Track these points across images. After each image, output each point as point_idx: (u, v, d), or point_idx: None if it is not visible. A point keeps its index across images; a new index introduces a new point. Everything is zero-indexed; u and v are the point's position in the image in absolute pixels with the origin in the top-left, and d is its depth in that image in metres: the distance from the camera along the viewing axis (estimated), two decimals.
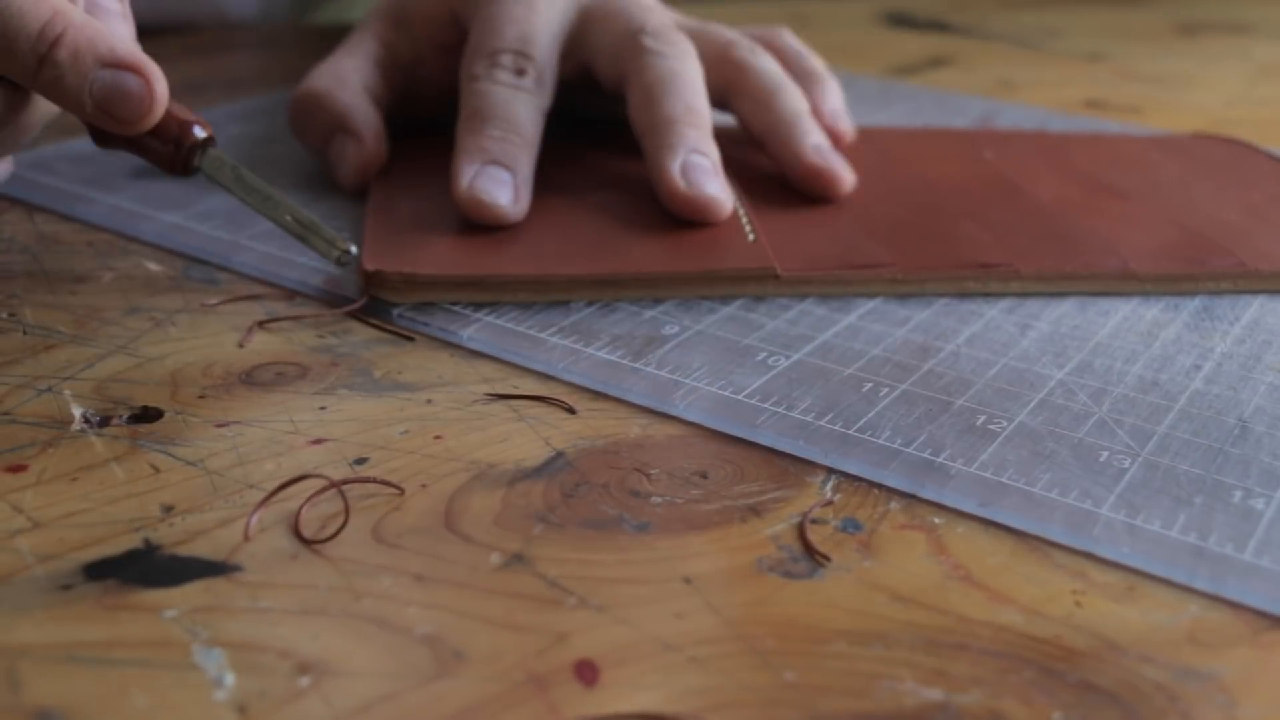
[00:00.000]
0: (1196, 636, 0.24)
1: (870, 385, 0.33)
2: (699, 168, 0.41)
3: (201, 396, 0.32)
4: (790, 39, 0.51)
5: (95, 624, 0.24)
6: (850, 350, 0.35)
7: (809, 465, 0.30)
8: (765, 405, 0.32)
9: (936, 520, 0.28)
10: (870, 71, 0.69)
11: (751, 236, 0.40)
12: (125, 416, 0.31)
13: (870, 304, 0.38)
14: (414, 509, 0.28)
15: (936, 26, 0.83)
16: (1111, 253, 0.40)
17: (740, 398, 0.32)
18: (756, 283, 0.38)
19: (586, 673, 0.23)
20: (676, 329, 0.36)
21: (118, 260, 0.40)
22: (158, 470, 0.29)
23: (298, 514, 0.27)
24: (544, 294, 0.37)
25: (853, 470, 0.30)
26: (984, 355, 0.35)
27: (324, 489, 0.28)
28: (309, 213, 0.36)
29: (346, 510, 0.27)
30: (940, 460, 0.30)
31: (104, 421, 0.31)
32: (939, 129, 0.55)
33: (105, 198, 0.45)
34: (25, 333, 0.35)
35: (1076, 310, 0.38)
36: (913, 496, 0.29)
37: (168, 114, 0.35)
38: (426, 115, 0.49)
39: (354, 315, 0.37)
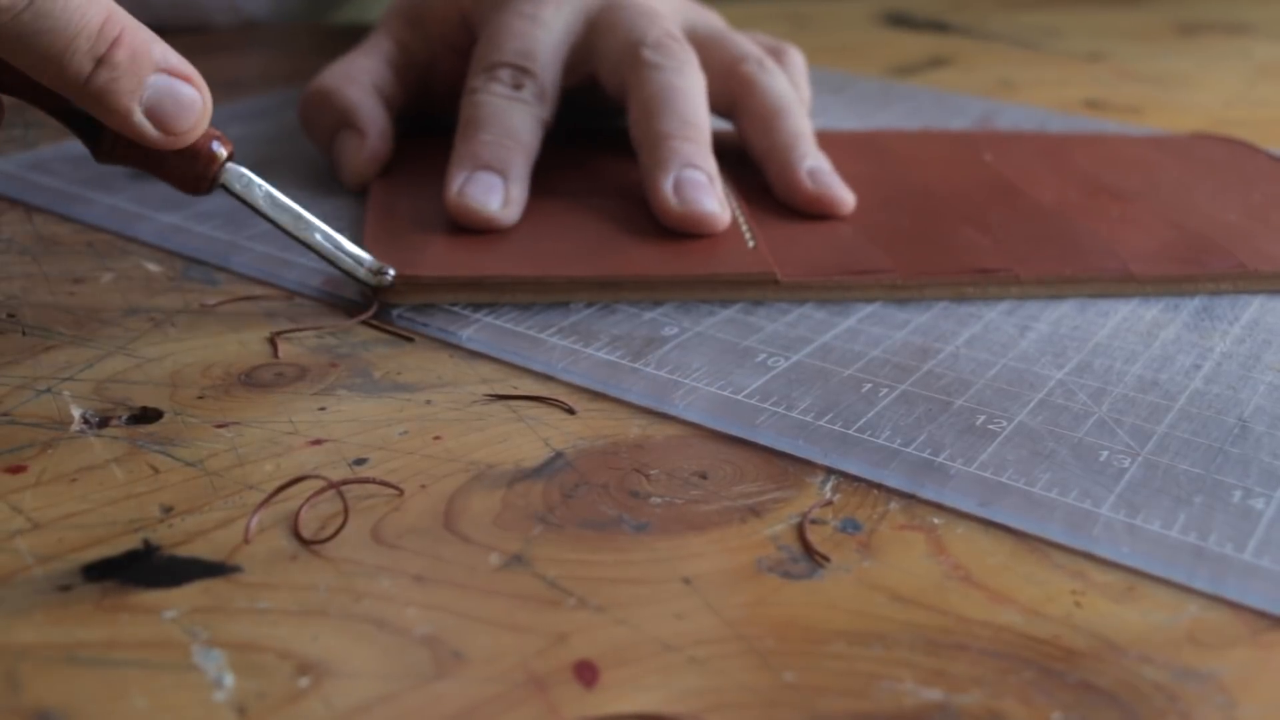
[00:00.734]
0: (1196, 637, 0.24)
1: (870, 386, 0.33)
2: (692, 183, 0.41)
3: (201, 397, 0.32)
4: (797, 60, 0.50)
5: (95, 625, 0.24)
6: (850, 352, 0.35)
7: (808, 466, 0.30)
8: (765, 405, 0.32)
9: (936, 520, 0.28)
10: (870, 72, 0.69)
11: (751, 242, 0.40)
12: (124, 417, 0.31)
13: (870, 307, 0.38)
14: (413, 509, 0.28)
15: (936, 26, 0.83)
16: (1111, 255, 0.40)
17: (740, 398, 0.32)
18: (756, 288, 0.38)
19: (586, 673, 0.23)
20: (676, 330, 0.36)
21: (117, 261, 0.40)
22: (157, 471, 0.29)
23: (297, 515, 0.27)
24: (544, 295, 0.37)
25: (852, 470, 0.30)
26: (983, 356, 0.35)
27: (323, 490, 0.28)
28: (337, 231, 0.36)
29: (346, 511, 0.27)
30: (940, 460, 0.30)
31: (103, 422, 0.31)
32: (938, 131, 0.55)
33: (104, 198, 0.45)
34: (24, 333, 0.35)
35: (1076, 311, 0.38)
36: (912, 496, 0.29)
37: None
38: (441, 114, 0.49)
39: (361, 319, 0.37)
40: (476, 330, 0.36)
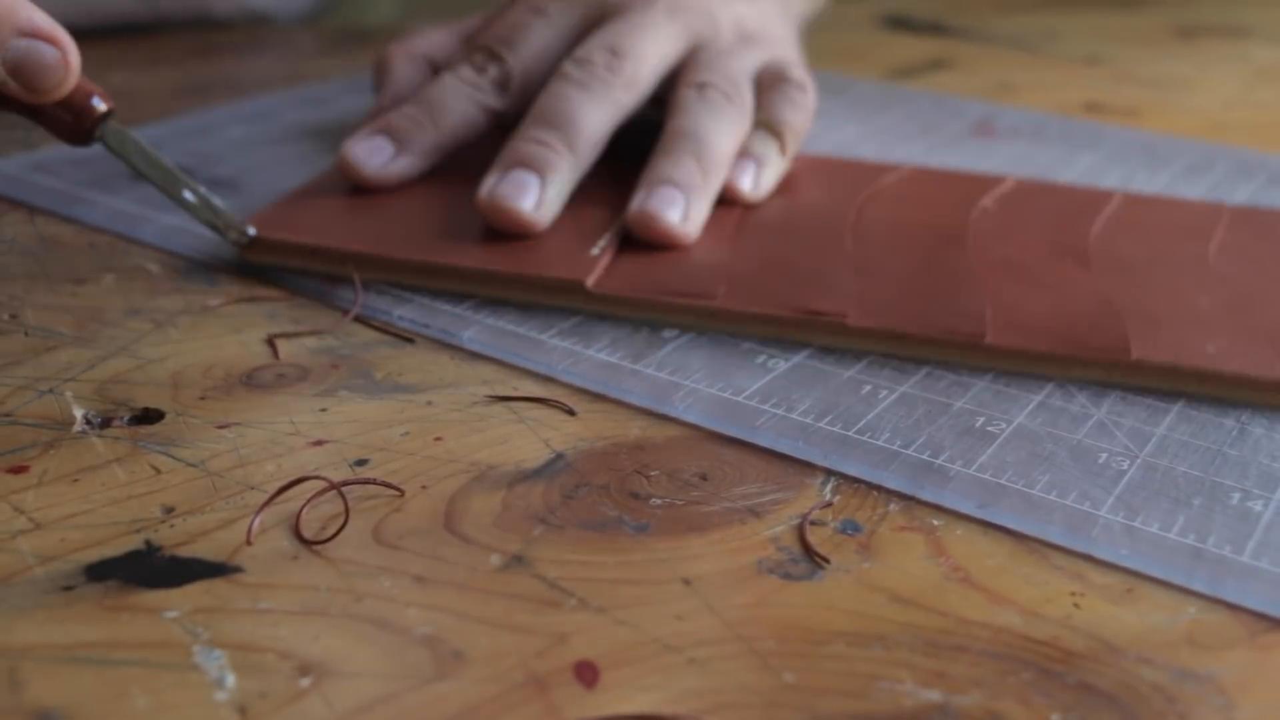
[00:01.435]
0: (1194, 638, 0.24)
1: (869, 387, 0.33)
2: (514, 180, 0.40)
3: (202, 398, 0.32)
4: (791, 92, 0.47)
5: (96, 625, 0.24)
6: (849, 353, 0.35)
7: (808, 467, 0.30)
8: (765, 407, 0.32)
9: (935, 522, 0.28)
10: (869, 74, 0.69)
11: (595, 251, 0.38)
12: (126, 418, 0.31)
13: None
14: (414, 510, 0.28)
15: (935, 29, 0.83)
16: (977, 320, 0.35)
17: (739, 399, 0.32)
18: (565, 293, 0.37)
19: (586, 674, 0.23)
20: (675, 333, 0.36)
21: (119, 262, 0.41)
22: (159, 471, 0.29)
23: (298, 515, 0.27)
24: (376, 272, 0.38)
25: (852, 471, 0.30)
26: None
27: (324, 490, 0.28)
28: (210, 192, 0.38)
29: (347, 511, 0.27)
30: (939, 462, 0.30)
31: (105, 423, 0.31)
32: (973, 175, 0.48)
33: (106, 200, 0.45)
34: (27, 334, 0.35)
35: None
36: (912, 498, 0.29)
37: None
38: None
39: (357, 319, 0.37)
40: (477, 331, 0.36)
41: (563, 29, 0.47)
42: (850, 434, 0.31)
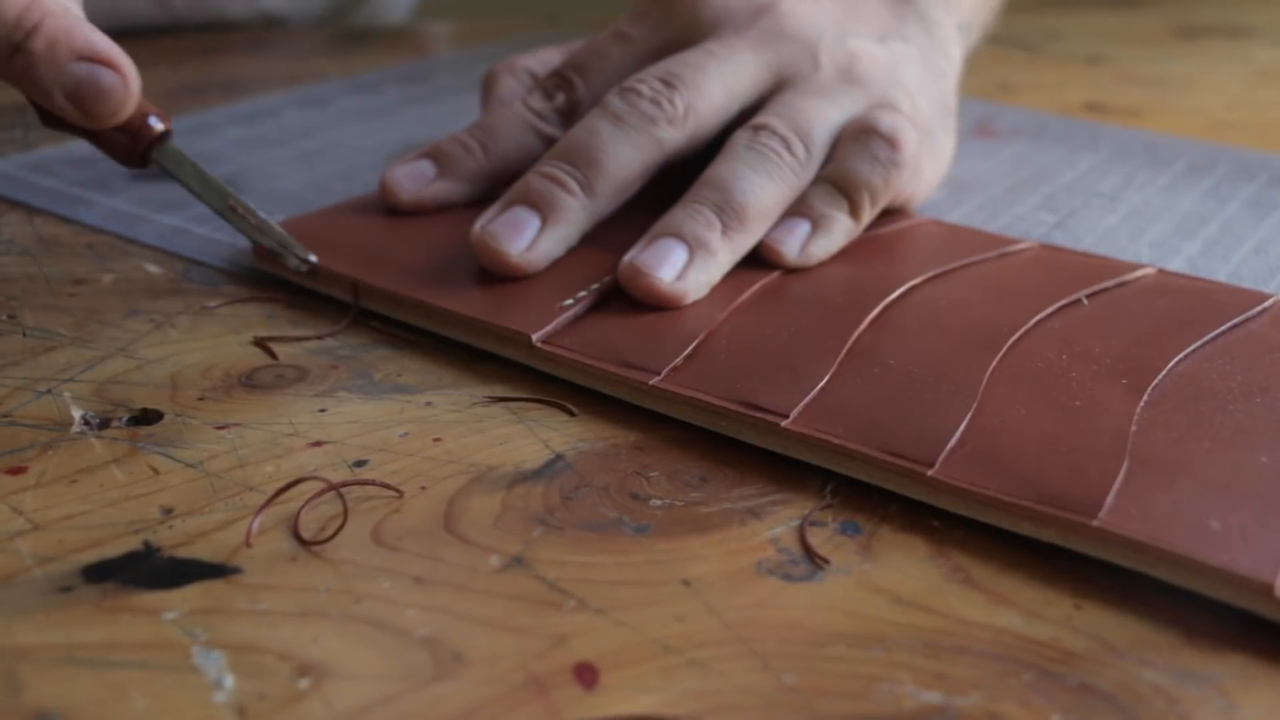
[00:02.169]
0: (1195, 639, 0.24)
1: None
2: (509, 219, 0.37)
3: (201, 399, 0.32)
4: (879, 147, 0.40)
5: (95, 626, 0.24)
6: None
7: (808, 468, 0.30)
8: None
9: (935, 523, 0.28)
10: None
11: (569, 302, 0.35)
12: (125, 419, 0.31)
13: None
14: (413, 511, 0.28)
15: None
16: (925, 447, 0.29)
17: None
18: (514, 345, 0.34)
19: (586, 675, 0.23)
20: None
21: (117, 262, 0.40)
22: (157, 472, 0.29)
23: (297, 516, 0.27)
24: (365, 298, 0.37)
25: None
26: None
27: (323, 491, 0.28)
28: (265, 214, 0.37)
29: (345, 512, 0.27)
30: None
31: (104, 423, 0.31)
32: (1107, 261, 0.40)
33: (105, 200, 0.45)
34: (25, 335, 0.35)
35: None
36: (911, 499, 0.29)
37: None
38: None
39: (359, 320, 0.37)
40: None
41: (641, 54, 0.43)
42: None
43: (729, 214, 0.37)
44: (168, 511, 0.27)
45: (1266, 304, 0.36)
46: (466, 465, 0.30)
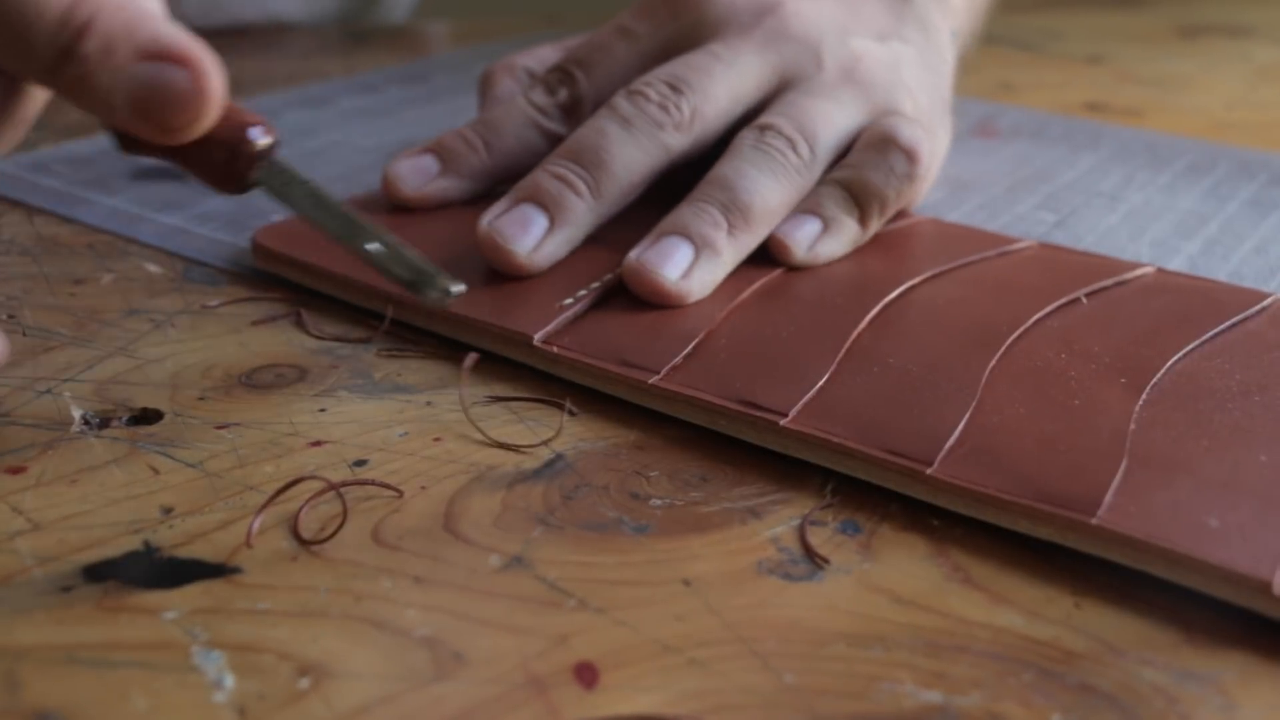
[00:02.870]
0: (1195, 638, 0.24)
1: None
2: (517, 216, 0.37)
3: (201, 398, 0.32)
4: (896, 157, 0.39)
5: (95, 626, 0.24)
6: None
7: (808, 467, 0.30)
8: None
9: (935, 522, 0.28)
10: None
11: (569, 300, 0.35)
12: (125, 418, 0.31)
13: None
14: (413, 511, 0.28)
15: None
16: (924, 445, 0.29)
17: None
18: (514, 345, 0.34)
19: (586, 675, 0.23)
20: None
21: (117, 262, 0.40)
22: (157, 472, 0.29)
23: (297, 516, 0.27)
24: (358, 296, 0.37)
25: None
26: None
27: (323, 491, 0.28)
28: (397, 239, 0.30)
29: (345, 512, 0.27)
30: None
31: (104, 423, 0.31)
32: (1106, 260, 0.40)
33: (105, 199, 0.45)
34: (25, 334, 0.35)
35: None
36: (912, 498, 0.29)
37: (221, 116, 0.28)
38: None
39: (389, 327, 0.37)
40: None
41: (646, 52, 0.43)
42: None
43: (735, 213, 0.37)
44: (168, 511, 0.27)
45: (1265, 303, 0.36)
46: (466, 465, 0.30)
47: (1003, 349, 0.33)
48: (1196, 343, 0.34)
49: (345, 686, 0.23)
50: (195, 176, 0.29)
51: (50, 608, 0.24)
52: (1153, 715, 0.22)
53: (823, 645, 0.24)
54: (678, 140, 0.39)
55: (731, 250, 0.37)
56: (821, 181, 0.40)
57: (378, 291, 0.36)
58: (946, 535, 0.27)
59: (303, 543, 0.26)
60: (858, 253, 0.39)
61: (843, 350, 0.33)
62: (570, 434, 0.31)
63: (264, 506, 0.27)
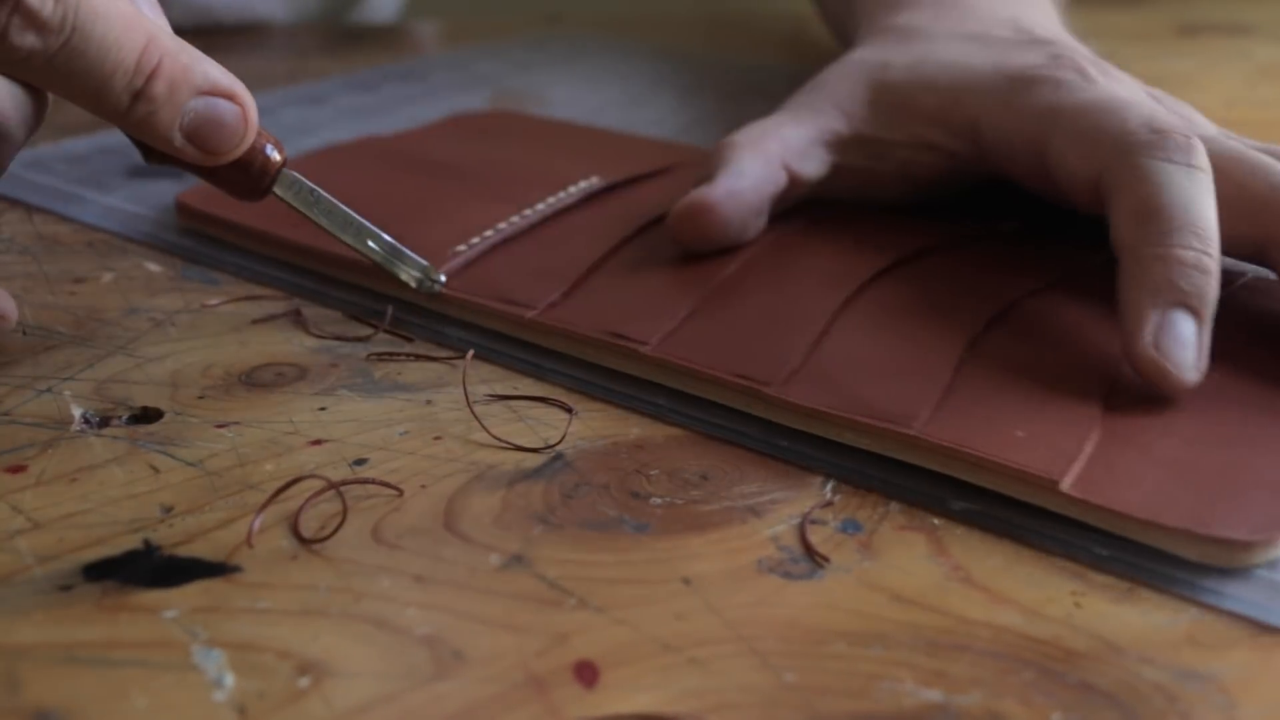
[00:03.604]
0: (1196, 637, 0.24)
1: None
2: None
3: (201, 397, 0.32)
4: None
5: (95, 624, 0.24)
6: None
7: (808, 466, 0.30)
8: None
9: (936, 521, 0.28)
10: None
11: (462, 248, 0.38)
12: (125, 417, 0.31)
13: None
14: (413, 510, 0.28)
15: None
16: (770, 368, 0.32)
17: None
18: (409, 290, 0.36)
19: (586, 673, 0.23)
20: None
21: (117, 261, 0.40)
22: (157, 471, 0.29)
23: (297, 515, 0.27)
24: (274, 250, 0.40)
25: None
26: None
27: (323, 490, 0.28)
28: (390, 237, 0.35)
29: (345, 511, 0.27)
30: None
31: (103, 422, 0.31)
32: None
33: (104, 198, 0.45)
34: (25, 333, 0.35)
35: None
36: (912, 500, 0.29)
37: None
38: (873, 199, 0.42)
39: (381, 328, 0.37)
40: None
41: None
42: None
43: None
44: (168, 510, 0.27)
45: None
46: (466, 464, 0.30)
47: (855, 288, 0.35)
48: (1044, 286, 0.36)
49: (345, 685, 0.23)
50: (218, 187, 0.33)
51: (50, 607, 0.24)
52: (1153, 714, 0.22)
53: (823, 644, 0.24)
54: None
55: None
56: None
57: (290, 244, 0.39)
58: (947, 534, 0.27)
59: (303, 541, 0.26)
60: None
61: (708, 289, 0.36)
62: (570, 433, 0.31)
63: (264, 505, 0.27)
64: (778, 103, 0.42)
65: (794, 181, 0.40)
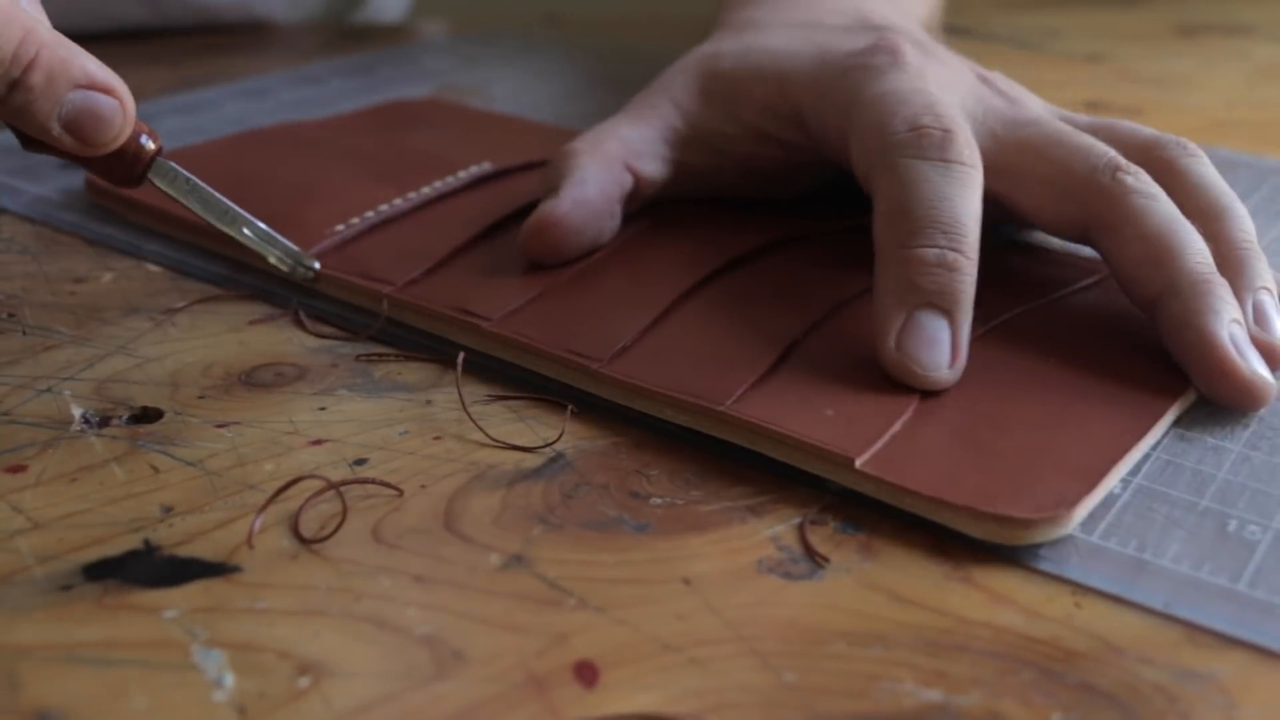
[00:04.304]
0: (1196, 638, 0.24)
1: None
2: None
3: (201, 397, 0.32)
4: (1193, 165, 0.36)
5: (95, 624, 0.24)
6: None
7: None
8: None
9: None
10: None
11: (340, 228, 0.39)
12: (125, 417, 0.31)
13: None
14: (413, 510, 0.28)
15: None
16: (602, 346, 0.33)
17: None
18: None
19: (586, 673, 0.23)
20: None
21: (117, 261, 0.40)
22: (157, 471, 0.29)
23: (297, 515, 0.27)
24: (172, 229, 0.41)
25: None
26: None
27: (323, 490, 0.28)
28: (264, 224, 0.35)
29: (345, 511, 0.27)
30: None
31: (104, 422, 0.31)
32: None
33: (37, 188, 0.46)
34: (25, 333, 0.35)
35: None
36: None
37: None
38: (725, 195, 0.42)
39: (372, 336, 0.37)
40: None
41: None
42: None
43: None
44: (168, 510, 0.27)
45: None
46: (466, 464, 0.30)
47: (700, 278, 0.36)
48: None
49: (345, 685, 0.23)
50: (95, 174, 0.35)
51: (50, 606, 0.24)
52: (1153, 714, 0.22)
53: (823, 644, 0.24)
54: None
55: None
56: None
57: (188, 223, 0.40)
58: (947, 534, 0.27)
59: (303, 541, 0.26)
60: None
61: (561, 275, 0.37)
62: (570, 433, 0.31)
63: (264, 505, 0.27)
64: None
65: (640, 181, 0.39)
